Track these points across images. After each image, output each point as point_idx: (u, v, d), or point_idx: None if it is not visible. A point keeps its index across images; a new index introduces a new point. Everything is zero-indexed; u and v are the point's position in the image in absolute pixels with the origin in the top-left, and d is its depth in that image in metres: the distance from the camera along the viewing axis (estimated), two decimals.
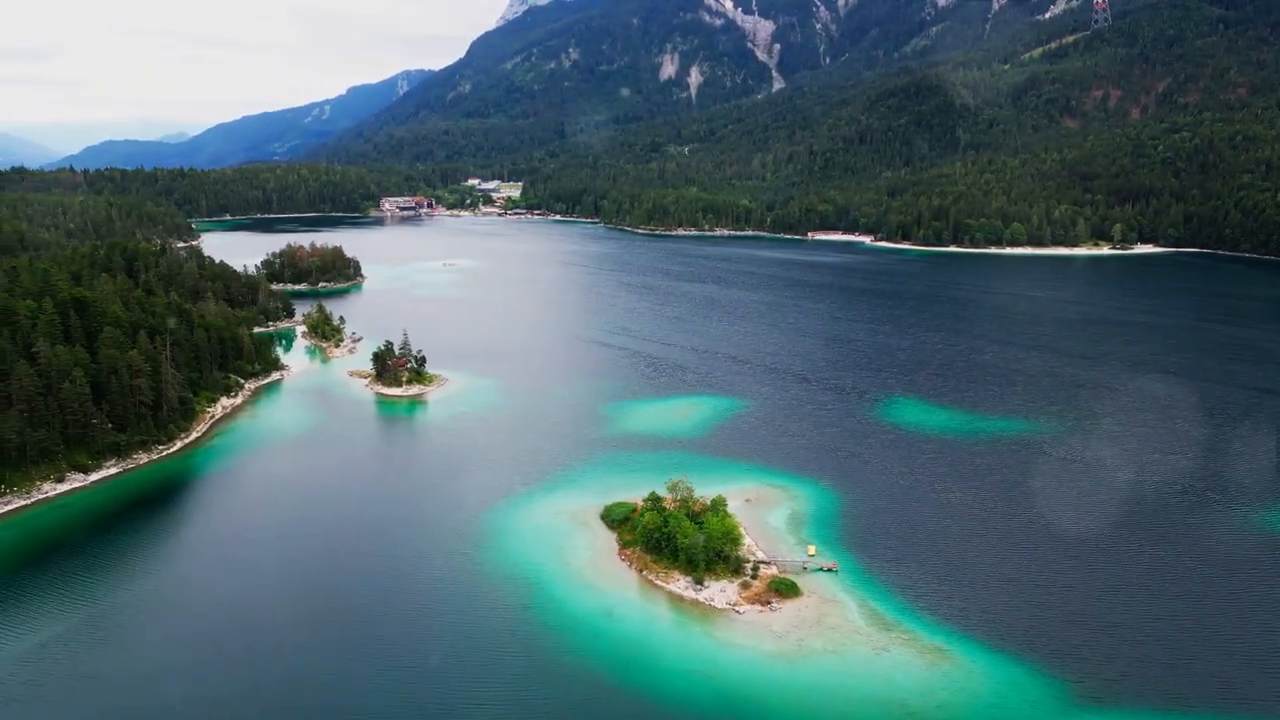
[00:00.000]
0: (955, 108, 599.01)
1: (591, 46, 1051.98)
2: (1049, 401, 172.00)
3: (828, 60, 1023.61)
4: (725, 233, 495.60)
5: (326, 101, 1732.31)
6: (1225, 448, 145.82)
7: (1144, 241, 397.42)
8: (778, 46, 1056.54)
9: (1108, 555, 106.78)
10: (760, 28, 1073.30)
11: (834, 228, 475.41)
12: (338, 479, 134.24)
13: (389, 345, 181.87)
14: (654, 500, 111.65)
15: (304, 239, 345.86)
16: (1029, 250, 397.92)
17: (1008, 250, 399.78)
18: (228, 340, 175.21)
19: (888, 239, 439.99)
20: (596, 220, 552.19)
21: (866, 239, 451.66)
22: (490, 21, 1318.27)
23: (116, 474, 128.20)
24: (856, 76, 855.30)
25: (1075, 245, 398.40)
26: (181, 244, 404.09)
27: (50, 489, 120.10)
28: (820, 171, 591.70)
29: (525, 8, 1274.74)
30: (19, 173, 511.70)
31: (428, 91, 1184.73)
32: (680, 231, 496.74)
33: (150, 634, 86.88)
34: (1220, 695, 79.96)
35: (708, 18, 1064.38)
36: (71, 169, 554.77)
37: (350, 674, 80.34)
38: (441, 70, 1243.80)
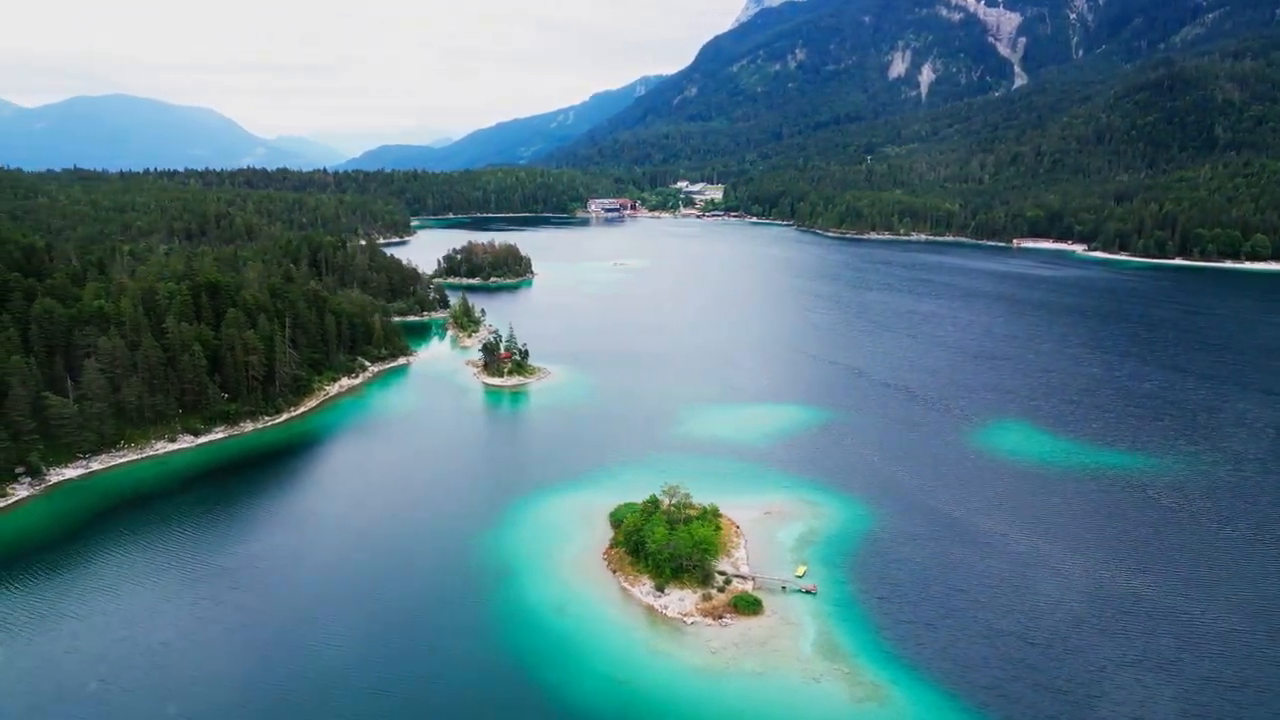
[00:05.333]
0: (1215, 103, 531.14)
1: (819, 46, 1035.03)
2: (1189, 439, 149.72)
3: (1080, 54, 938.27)
4: (922, 238, 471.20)
5: (571, 108, 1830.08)
6: None
7: None
8: (1023, 40, 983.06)
9: (1149, 620, 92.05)
10: (1004, 21, 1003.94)
11: (1044, 235, 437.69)
12: (401, 459, 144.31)
13: (496, 337, 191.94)
14: (652, 504, 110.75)
15: (503, 237, 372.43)
16: (1274, 265, 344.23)
17: (1246, 265, 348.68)
18: (358, 326, 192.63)
19: (1103, 248, 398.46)
20: (791, 223, 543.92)
21: (1079, 248, 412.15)
22: (725, 25, 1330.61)
23: (222, 438, 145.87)
24: (1112, 70, 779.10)
25: None
26: (396, 239, 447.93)
27: (162, 447, 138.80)
28: (1045, 174, 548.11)
29: (758, 9, 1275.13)
30: (281, 173, 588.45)
31: (658, 96, 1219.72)
32: (873, 235, 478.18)
33: (142, 590, 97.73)
34: None
35: (945, 12, 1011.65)
36: (324, 170, 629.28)
37: (276, 639, 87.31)
38: (673, 75, 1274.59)
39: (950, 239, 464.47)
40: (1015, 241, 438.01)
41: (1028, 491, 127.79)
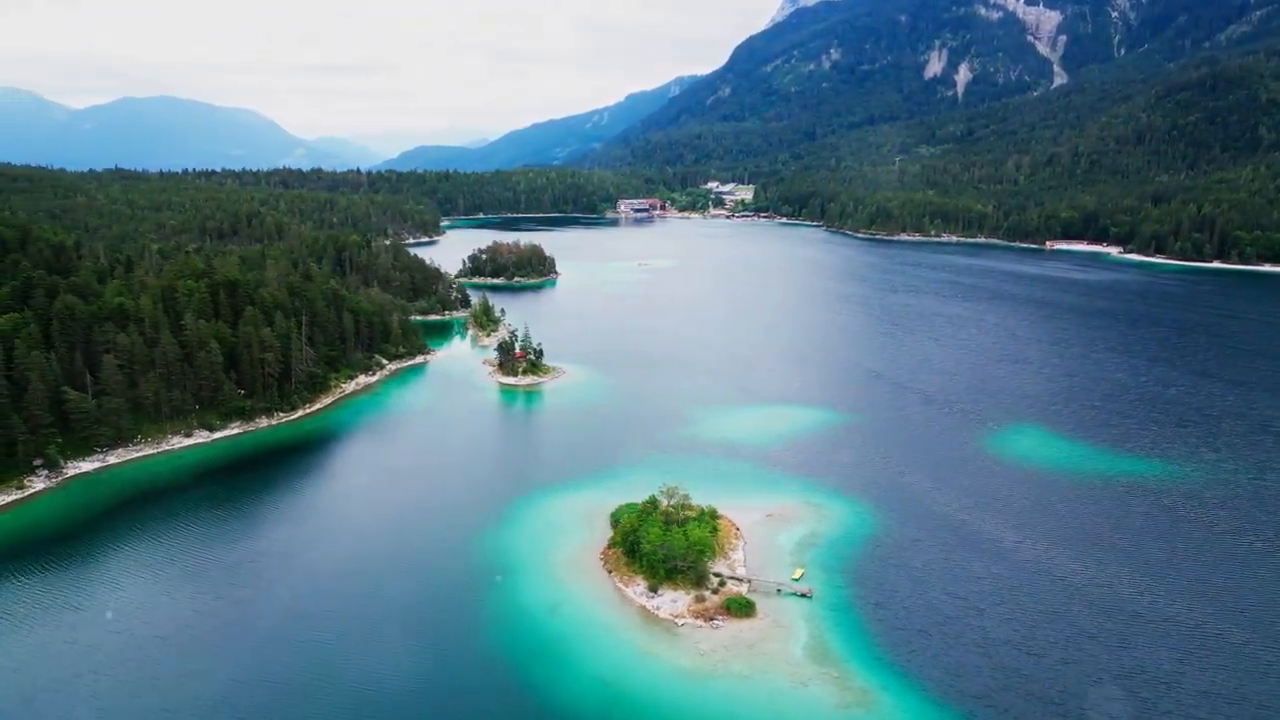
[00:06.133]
0: (1260, 103, 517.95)
1: (853, 46, 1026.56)
2: (1211, 446, 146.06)
3: (1122, 52, 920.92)
4: (953, 239, 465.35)
5: (606, 108, 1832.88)
6: None
7: None
8: (1063, 39, 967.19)
9: (1152, 631, 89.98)
10: (1044, 19, 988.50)
11: (1079, 237, 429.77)
12: (411, 456, 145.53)
13: (513, 337, 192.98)
14: (650, 504, 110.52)
15: (531, 237, 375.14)
16: None
17: None
18: (376, 324, 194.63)
19: (1139, 251, 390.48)
20: (820, 223, 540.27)
21: (1114, 250, 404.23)
22: (760, 24, 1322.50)
23: (237, 434, 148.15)
24: (1154, 69, 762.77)
25: None
26: (425, 239, 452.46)
27: (178, 442, 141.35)
28: (1082, 175, 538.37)
29: (793, 9, 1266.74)
30: (315, 173, 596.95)
31: (691, 96, 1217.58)
32: (903, 236, 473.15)
33: (143, 583, 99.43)
34: None
35: (984, 10, 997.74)
36: (358, 170, 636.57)
37: (269, 635, 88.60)
38: (707, 75, 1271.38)
39: (982, 240, 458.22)
40: (1048, 244, 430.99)
41: (1038, 497, 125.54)
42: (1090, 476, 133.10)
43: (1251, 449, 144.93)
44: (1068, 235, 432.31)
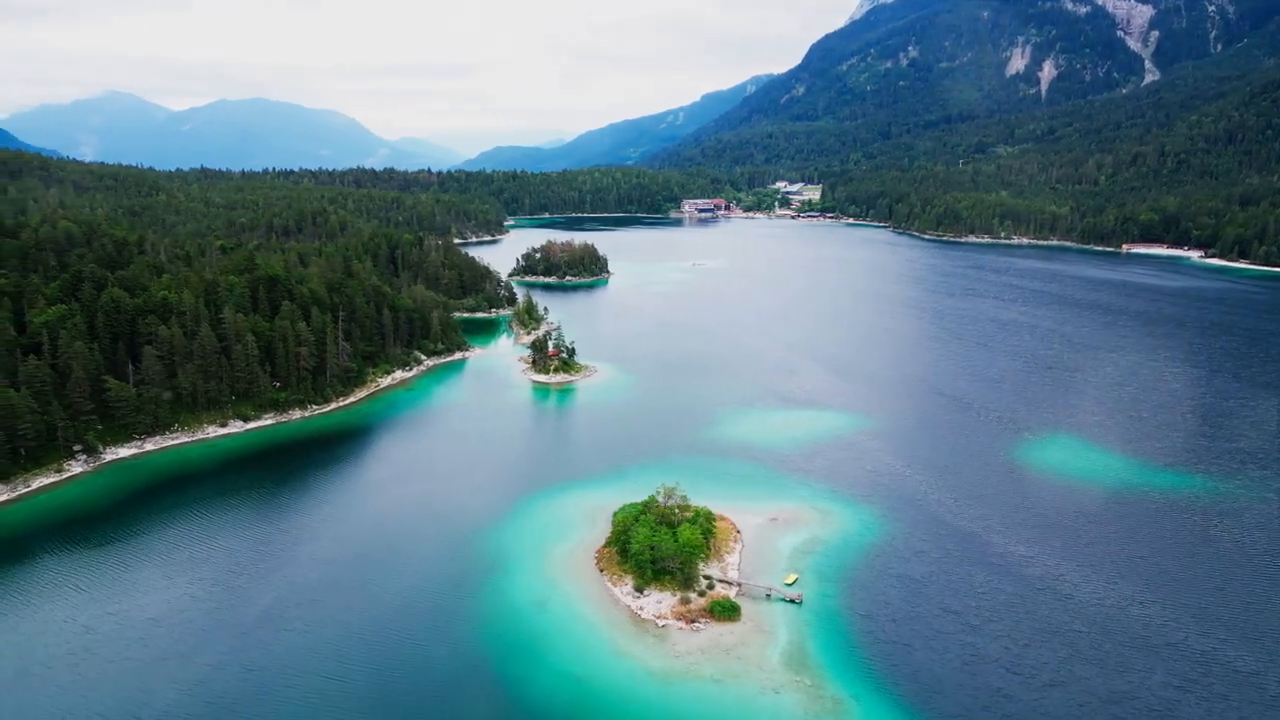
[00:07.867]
0: None
1: (932, 43, 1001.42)
2: (1260, 464, 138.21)
3: (1219, 47, 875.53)
4: (1025, 241, 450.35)
5: (681, 109, 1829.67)
6: None
7: None
8: (1155, 34, 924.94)
9: (1153, 655, 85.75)
10: (1136, 14, 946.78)
11: (1158, 240, 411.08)
12: (433, 450, 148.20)
13: (547, 335, 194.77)
14: (648, 504, 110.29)
15: (592, 236, 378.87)
16: None
17: None
18: (416, 321, 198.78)
19: (1221, 255, 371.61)
20: (887, 224, 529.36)
21: (1194, 254, 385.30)
22: (838, 23, 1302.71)
23: (270, 425, 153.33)
24: (1253, 65, 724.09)
25: None
26: (488, 238, 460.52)
27: (213, 431, 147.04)
28: (1168, 175, 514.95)
29: (871, 5, 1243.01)
30: (388, 173, 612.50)
31: (765, 96, 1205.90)
32: (971, 239, 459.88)
33: (149, 567, 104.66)
34: None
35: (1071, 5, 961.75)
36: (428, 170, 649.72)
37: (257, 621, 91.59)
38: (782, 75, 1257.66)
39: (1055, 243, 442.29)
40: (1125, 247, 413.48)
41: (1061, 511, 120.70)
42: (1122, 491, 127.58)
43: None
44: (1146, 238, 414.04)
